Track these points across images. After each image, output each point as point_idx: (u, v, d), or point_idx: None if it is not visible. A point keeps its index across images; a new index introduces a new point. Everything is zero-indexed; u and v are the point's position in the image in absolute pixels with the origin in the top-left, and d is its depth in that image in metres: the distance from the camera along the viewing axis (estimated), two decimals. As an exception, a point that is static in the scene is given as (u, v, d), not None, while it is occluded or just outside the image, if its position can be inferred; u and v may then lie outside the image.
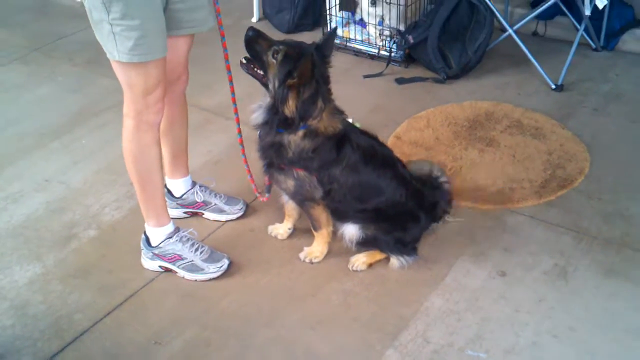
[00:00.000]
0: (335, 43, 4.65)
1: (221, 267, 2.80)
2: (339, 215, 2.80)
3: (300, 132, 2.55)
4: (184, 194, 3.12)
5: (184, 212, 3.13)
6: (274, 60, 2.49)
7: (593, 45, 4.42)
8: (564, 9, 4.35)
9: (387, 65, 4.36)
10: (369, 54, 4.58)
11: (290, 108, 2.49)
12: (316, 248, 2.89)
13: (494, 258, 2.82)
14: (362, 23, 4.64)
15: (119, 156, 3.57)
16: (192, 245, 2.81)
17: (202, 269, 2.79)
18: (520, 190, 3.20)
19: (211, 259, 2.81)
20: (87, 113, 4.06)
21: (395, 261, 2.79)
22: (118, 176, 3.47)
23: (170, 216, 2.86)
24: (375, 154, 2.73)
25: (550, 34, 4.66)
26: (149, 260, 2.85)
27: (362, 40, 4.60)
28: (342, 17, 4.69)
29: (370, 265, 2.82)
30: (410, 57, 4.42)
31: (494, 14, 4.17)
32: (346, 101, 4.00)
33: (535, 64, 4.08)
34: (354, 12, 4.73)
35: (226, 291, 2.74)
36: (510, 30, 4.12)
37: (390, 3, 4.31)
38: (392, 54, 4.39)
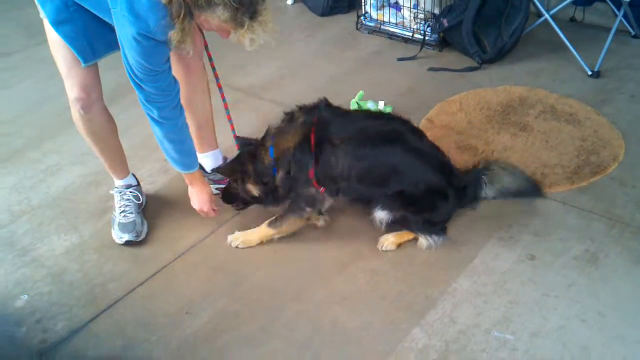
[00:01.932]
0: (370, 26, 4.68)
1: (121, 238, 2.91)
2: (365, 202, 2.83)
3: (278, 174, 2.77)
4: (214, 169, 3.16)
5: (216, 189, 3.12)
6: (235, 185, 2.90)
7: (632, 32, 4.35)
8: (603, -6, 4.29)
9: (421, 48, 4.35)
10: (402, 37, 4.56)
11: (254, 191, 2.85)
12: (250, 236, 2.89)
13: (524, 242, 2.81)
14: (396, 6, 4.63)
15: (152, 132, 3.68)
16: (123, 205, 2.98)
17: (114, 229, 2.95)
18: (553, 175, 3.18)
19: (123, 228, 2.92)
20: (123, 89, 4.07)
21: (423, 241, 2.80)
22: (152, 151, 3.52)
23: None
24: (369, 136, 2.69)
25: (588, 21, 4.59)
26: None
27: (396, 23, 4.59)
28: (377, 0, 4.68)
29: (399, 245, 2.84)
30: (444, 40, 4.40)
31: (531, -1, 4.13)
32: (378, 84, 4.05)
33: (572, 49, 4.04)
34: (389, -5, 4.72)
35: (257, 266, 2.79)
36: (546, 15, 4.08)
37: (426, -14, 4.30)
38: (426, 38, 4.37)
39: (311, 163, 2.69)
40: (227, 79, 4.00)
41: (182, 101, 2.62)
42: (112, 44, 2.51)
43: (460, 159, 3.26)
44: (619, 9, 4.26)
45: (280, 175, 2.75)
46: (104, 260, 2.86)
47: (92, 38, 2.54)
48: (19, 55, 4.70)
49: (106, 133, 2.87)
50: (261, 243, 2.89)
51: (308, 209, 2.83)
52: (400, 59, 4.35)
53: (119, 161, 3.03)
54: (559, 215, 2.95)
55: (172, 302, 2.63)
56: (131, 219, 2.96)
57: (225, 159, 3.20)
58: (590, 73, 3.96)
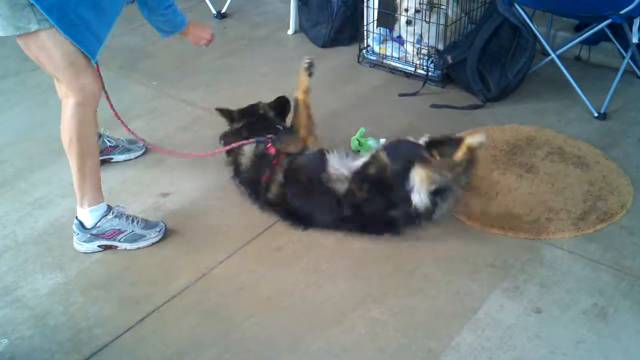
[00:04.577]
0: (371, 59, 4.60)
1: (160, 230, 2.99)
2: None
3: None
4: None
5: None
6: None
7: (639, 73, 4.27)
8: (610, 34, 4.21)
9: (424, 84, 4.26)
10: (405, 72, 4.48)
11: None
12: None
13: (530, 293, 2.69)
14: (399, 40, 4.56)
15: (146, 167, 3.59)
16: (128, 218, 2.96)
17: (144, 236, 2.96)
18: (558, 220, 3.07)
19: (148, 226, 2.99)
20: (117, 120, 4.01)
21: None
22: (144, 187, 3.42)
23: None
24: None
25: (594, 60, 4.52)
26: (85, 244, 2.94)
27: (398, 58, 4.51)
28: (380, 34, 4.61)
29: None
30: (447, 76, 4.32)
31: (537, 38, 4.04)
32: (379, 120, 3.96)
33: (578, 90, 3.95)
34: (391, 29, 4.65)
35: (249, 312, 2.66)
36: (553, 55, 4.00)
37: (429, 22, 4.22)
38: (429, 73, 4.29)
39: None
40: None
41: (94, 101, 2.74)
42: (108, 23, 2.66)
43: (463, 201, 3.17)
44: (626, 50, 4.20)
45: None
46: (90, 302, 2.72)
47: (92, 25, 2.57)
48: (13, 80, 4.60)
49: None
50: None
51: None
52: (402, 95, 4.26)
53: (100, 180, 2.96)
54: (566, 264, 2.84)
55: (160, 351, 2.50)
56: (140, 219, 2.99)
57: (99, 135, 3.17)
58: (596, 115, 3.87)
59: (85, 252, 2.95)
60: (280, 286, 2.79)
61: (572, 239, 2.97)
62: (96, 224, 2.91)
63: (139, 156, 3.65)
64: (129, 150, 3.62)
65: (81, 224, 2.92)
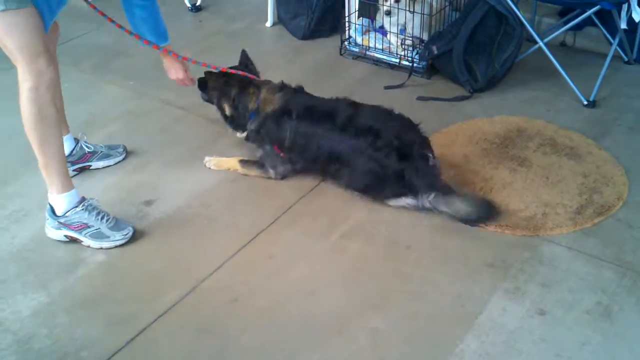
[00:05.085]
0: (354, 51, 4.49)
1: (126, 234, 2.91)
2: (319, 171, 3.27)
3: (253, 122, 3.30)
4: (72, 150, 3.30)
5: (73, 170, 3.26)
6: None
7: (625, 58, 4.23)
8: (596, 20, 4.15)
9: (409, 76, 4.16)
10: (389, 64, 4.38)
11: (227, 110, 3.33)
12: (222, 162, 3.40)
13: (532, 294, 2.62)
14: (382, 31, 4.45)
15: (129, 172, 3.45)
16: (98, 213, 2.90)
17: (108, 237, 2.89)
18: (554, 215, 3.00)
19: (117, 227, 2.92)
20: (95, 123, 3.87)
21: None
22: (127, 194, 3.29)
23: None
24: (312, 113, 3.17)
25: (579, 45, 4.47)
26: (54, 230, 2.91)
27: (382, 49, 4.40)
28: (362, 25, 4.49)
29: None
30: (433, 67, 4.22)
31: (524, 25, 3.96)
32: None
33: (567, 79, 3.88)
34: (373, 19, 4.54)
35: (244, 325, 2.55)
36: (541, 43, 3.92)
37: (413, 12, 4.11)
38: (415, 65, 4.19)
39: (276, 130, 3.20)
40: (202, 110, 3.81)
41: (51, 87, 2.68)
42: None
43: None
44: (611, 34, 4.14)
45: (253, 126, 3.29)
46: (76, 323, 2.59)
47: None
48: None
49: (60, 124, 2.82)
50: (228, 169, 3.37)
51: (271, 171, 3.28)
52: (387, 87, 4.16)
53: (66, 167, 2.90)
54: (566, 262, 2.77)
55: (153, 372, 2.39)
56: (112, 217, 2.93)
57: (76, 140, 3.33)
58: (586, 103, 3.81)
59: (55, 240, 2.93)
60: (275, 296, 2.68)
61: (570, 234, 2.91)
62: (66, 212, 2.87)
63: (119, 162, 3.51)
64: (108, 156, 3.47)
65: (52, 209, 2.89)
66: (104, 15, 3.04)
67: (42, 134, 2.69)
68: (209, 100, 3.45)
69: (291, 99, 3.26)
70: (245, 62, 3.45)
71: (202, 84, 3.42)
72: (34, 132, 2.69)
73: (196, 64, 3.28)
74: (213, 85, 3.37)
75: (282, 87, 3.33)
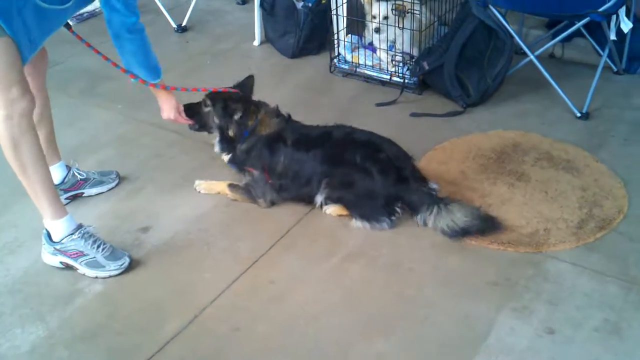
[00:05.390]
0: (344, 69, 4.47)
1: (122, 264, 2.87)
2: (305, 199, 3.24)
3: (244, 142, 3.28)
4: (65, 178, 3.26)
5: (66, 198, 3.21)
6: (207, 108, 3.29)
7: (614, 69, 4.24)
8: (584, 31, 4.17)
9: (401, 92, 4.14)
10: (380, 80, 4.36)
11: (233, 130, 3.26)
12: (212, 186, 3.37)
13: (539, 313, 2.60)
14: (371, 47, 4.43)
15: (122, 198, 3.39)
16: (95, 242, 2.87)
17: (104, 266, 2.85)
18: (556, 231, 2.99)
19: (113, 256, 2.88)
20: (86, 149, 3.80)
21: (354, 222, 3.09)
22: (122, 221, 3.23)
23: None
24: (306, 140, 3.20)
25: (568, 56, 4.47)
26: (50, 256, 2.89)
27: (372, 66, 4.38)
28: (351, 42, 4.48)
29: (339, 215, 3.16)
30: (424, 83, 4.21)
31: (514, 39, 3.96)
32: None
33: (559, 91, 3.88)
34: (361, 36, 4.52)
35: (248, 355, 2.50)
36: (532, 56, 3.92)
37: (403, 28, 4.10)
38: (406, 81, 4.17)
39: (268, 156, 3.20)
40: (194, 133, 3.74)
41: (35, 117, 2.71)
42: (45, 31, 2.64)
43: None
44: (599, 45, 4.16)
45: (244, 146, 3.26)
46: (76, 357, 2.53)
47: (31, 29, 2.54)
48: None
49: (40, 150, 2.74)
50: (218, 193, 3.34)
51: (259, 200, 3.25)
52: (379, 104, 4.14)
53: (56, 193, 2.86)
54: (571, 278, 2.76)
55: (157, 408, 2.33)
56: (108, 246, 2.89)
57: (68, 167, 3.30)
58: (579, 115, 3.82)
59: (51, 267, 2.91)
60: (278, 323, 2.63)
61: (573, 250, 2.89)
62: (62, 239, 2.84)
63: (112, 188, 3.45)
64: (101, 183, 3.42)
65: (48, 234, 2.87)
66: (90, 46, 3.04)
67: (20, 161, 2.66)
68: (202, 125, 3.36)
69: (287, 126, 3.28)
70: (246, 84, 3.39)
71: (190, 110, 3.31)
72: (13, 160, 2.67)
73: (186, 90, 3.22)
74: (216, 103, 3.27)
75: (279, 113, 3.33)
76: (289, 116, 3.35)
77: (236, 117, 3.21)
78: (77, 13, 3.48)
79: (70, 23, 3.06)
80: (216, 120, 3.27)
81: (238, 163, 3.32)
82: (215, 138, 3.37)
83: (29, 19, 2.50)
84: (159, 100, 3.18)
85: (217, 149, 3.38)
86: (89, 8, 5.17)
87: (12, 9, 2.41)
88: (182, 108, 3.23)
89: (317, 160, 3.14)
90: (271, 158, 3.20)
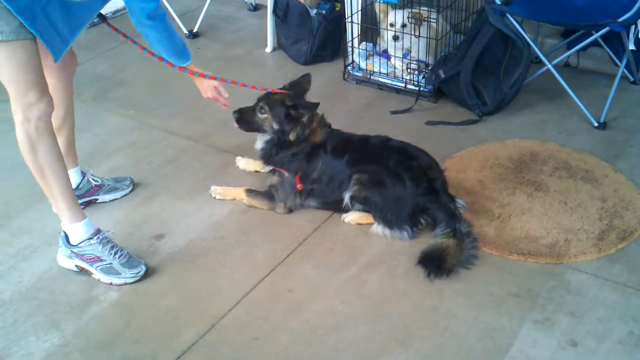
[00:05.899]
0: (357, 76, 4.45)
1: (138, 272, 2.84)
2: (331, 207, 3.23)
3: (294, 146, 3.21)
4: (79, 183, 3.23)
5: (81, 204, 3.04)
6: (264, 115, 3.20)
7: (631, 78, 4.21)
8: (600, 41, 4.13)
9: (416, 100, 4.12)
10: (394, 88, 4.33)
11: (293, 135, 3.18)
12: (228, 191, 3.34)
13: (562, 325, 2.56)
14: (385, 55, 4.41)
15: (137, 205, 3.36)
16: (112, 248, 2.84)
17: (120, 273, 2.83)
18: (577, 242, 2.96)
19: (129, 264, 2.85)
20: (100, 155, 3.78)
21: (375, 227, 3.06)
22: (137, 228, 3.20)
23: None
24: (346, 146, 3.20)
25: (583, 66, 4.44)
26: (66, 259, 2.88)
27: (386, 74, 4.36)
28: (365, 49, 4.46)
29: (359, 224, 3.13)
30: (439, 91, 4.19)
31: (531, 48, 3.94)
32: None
33: (577, 101, 3.85)
34: (375, 44, 4.50)
35: (267, 364, 2.47)
36: (549, 65, 3.89)
37: (419, 36, 4.08)
38: (421, 89, 4.15)
39: (307, 162, 3.18)
40: (208, 139, 3.75)
41: (58, 119, 2.84)
42: (74, 27, 2.62)
43: (476, 224, 3.07)
44: (616, 54, 4.13)
45: (293, 150, 3.19)
46: (91, 365, 2.50)
47: (57, 26, 2.53)
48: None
49: (59, 153, 2.73)
50: (234, 199, 3.31)
51: (279, 203, 3.22)
52: (394, 112, 4.11)
53: (74, 196, 2.84)
54: (593, 290, 2.72)
55: (176, 418, 2.29)
56: (125, 253, 2.87)
57: (83, 172, 3.28)
58: (596, 124, 3.78)
59: (66, 270, 2.90)
60: (297, 333, 2.60)
61: (594, 261, 2.86)
62: (80, 243, 2.82)
63: (127, 194, 3.42)
64: (115, 189, 3.39)
65: (66, 237, 2.85)
66: (126, 37, 3.00)
67: (38, 164, 2.65)
68: (254, 129, 3.28)
69: (331, 135, 3.25)
70: (300, 84, 3.36)
71: (243, 115, 3.26)
72: (31, 163, 2.66)
73: (224, 81, 3.19)
74: (275, 108, 3.19)
75: (325, 122, 3.30)
76: (330, 125, 3.33)
77: (303, 121, 3.17)
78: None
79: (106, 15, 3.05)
80: (275, 126, 3.17)
81: (274, 162, 3.25)
82: (263, 137, 3.27)
83: (55, 16, 2.47)
84: (196, 81, 3.17)
85: (259, 146, 3.30)
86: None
87: (35, 8, 2.39)
88: (222, 88, 3.18)
89: (351, 163, 3.12)
90: (309, 165, 3.18)
